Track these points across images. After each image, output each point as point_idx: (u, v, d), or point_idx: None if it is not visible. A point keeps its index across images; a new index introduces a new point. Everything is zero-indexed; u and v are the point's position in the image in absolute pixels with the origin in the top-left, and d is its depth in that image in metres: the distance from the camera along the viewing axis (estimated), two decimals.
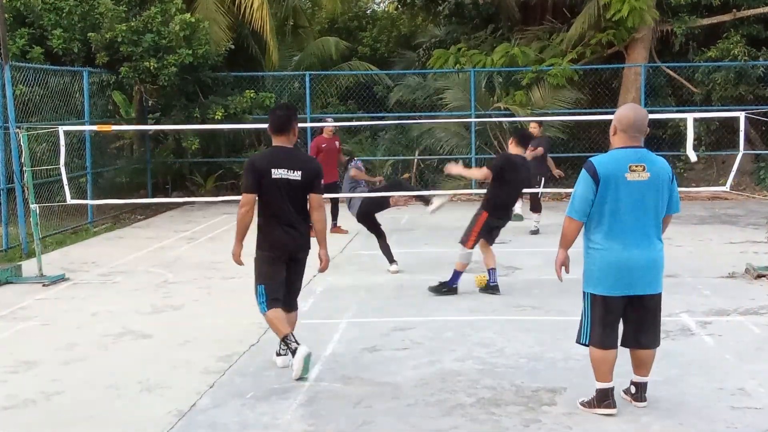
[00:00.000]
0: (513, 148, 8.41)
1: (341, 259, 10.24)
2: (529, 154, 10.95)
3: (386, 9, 25.54)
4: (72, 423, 4.97)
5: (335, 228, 12.23)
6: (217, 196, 17.09)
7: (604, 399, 4.88)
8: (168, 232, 12.94)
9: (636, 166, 4.75)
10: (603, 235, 4.80)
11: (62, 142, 9.86)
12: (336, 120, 17.40)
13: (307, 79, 17.18)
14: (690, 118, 9.91)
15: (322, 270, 5.98)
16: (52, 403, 5.33)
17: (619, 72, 17.30)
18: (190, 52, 14.60)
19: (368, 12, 25.04)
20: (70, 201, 10.29)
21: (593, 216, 4.82)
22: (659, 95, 17.34)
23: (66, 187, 9.97)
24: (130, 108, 17.34)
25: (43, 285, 8.98)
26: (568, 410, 4.95)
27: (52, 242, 11.77)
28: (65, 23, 14.20)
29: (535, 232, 12.04)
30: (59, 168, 10.05)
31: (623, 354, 5.01)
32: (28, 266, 9.71)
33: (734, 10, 16.94)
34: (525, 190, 10.56)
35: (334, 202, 12.36)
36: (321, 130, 12.65)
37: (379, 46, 21.73)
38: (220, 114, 15.15)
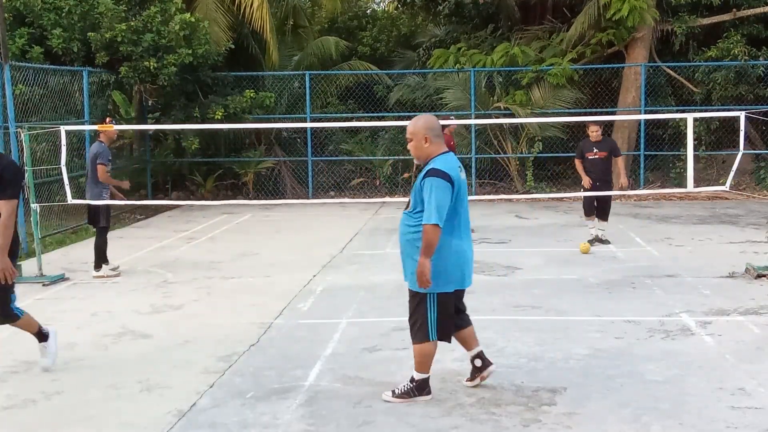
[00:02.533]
0: None
1: (341, 259, 10.24)
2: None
3: (386, 9, 25.54)
4: (72, 423, 4.97)
5: None
6: (217, 195, 17.14)
7: (425, 387, 5.22)
8: (168, 231, 12.93)
9: (460, 167, 5.15)
10: (452, 235, 5.05)
11: (63, 141, 9.85)
12: (336, 120, 17.46)
13: (307, 78, 17.19)
14: (690, 117, 9.90)
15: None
16: (52, 403, 5.33)
17: (619, 72, 17.30)
18: (190, 51, 14.60)
19: (368, 12, 25.04)
20: (70, 201, 10.28)
21: (446, 220, 5.02)
22: (659, 95, 17.34)
23: (67, 187, 9.96)
24: (130, 108, 17.34)
25: (43, 285, 8.98)
26: (568, 410, 4.95)
27: (52, 242, 11.78)
28: (65, 23, 14.20)
29: (606, 242, 10.73)
30: (59, 168, 10.04)
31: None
32: (28, 266, 9.72)
33: (734, 10, 16.94)
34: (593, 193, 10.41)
35: None
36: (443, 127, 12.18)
37: (379, 45, 21.73)
38: (220, 114, 15.15)
